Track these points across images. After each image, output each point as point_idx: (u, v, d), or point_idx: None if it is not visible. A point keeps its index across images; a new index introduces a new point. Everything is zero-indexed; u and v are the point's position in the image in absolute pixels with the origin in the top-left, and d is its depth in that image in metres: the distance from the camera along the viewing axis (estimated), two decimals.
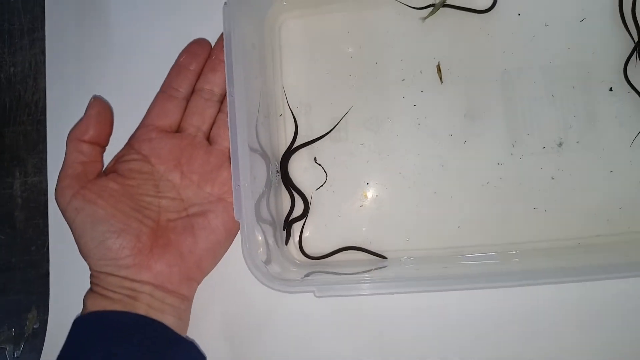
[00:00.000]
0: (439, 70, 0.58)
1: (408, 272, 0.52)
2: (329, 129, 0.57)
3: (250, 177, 0.47)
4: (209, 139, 0.54)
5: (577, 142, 0.56)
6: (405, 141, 0.56)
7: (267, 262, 0.47)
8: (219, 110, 0.55)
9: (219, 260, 0.52)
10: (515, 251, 0.54)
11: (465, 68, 0.57)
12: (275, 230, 0.55)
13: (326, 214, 0.55)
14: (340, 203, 0.55)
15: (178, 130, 0.54)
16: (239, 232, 0.45)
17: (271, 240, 0.52)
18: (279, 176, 0.57)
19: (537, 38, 0.58)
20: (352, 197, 0.57)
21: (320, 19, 0.59)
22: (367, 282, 0.46)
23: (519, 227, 0.55)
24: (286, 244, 0.55)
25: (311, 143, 0.58)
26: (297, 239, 0.57)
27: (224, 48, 0.48)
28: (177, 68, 0.55)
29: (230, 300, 0.53)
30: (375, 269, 0.52)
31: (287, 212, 0.57)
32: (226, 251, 0.52)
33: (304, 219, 0.56)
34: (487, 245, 0.55)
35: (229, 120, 0.47)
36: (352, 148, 0.57)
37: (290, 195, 0.57)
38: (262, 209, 0.52)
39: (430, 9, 0.58)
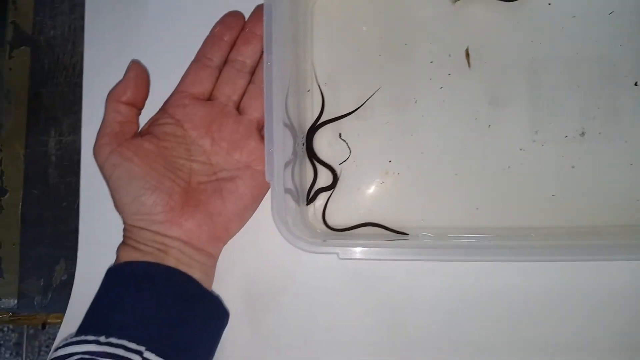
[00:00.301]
0: (468, 55, 0.59)
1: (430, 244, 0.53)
2: (355, 108, 0.59)
3: (281, 144, 0.48)
4: (238, 108, 0.56)
5: (599, 133, 0.57)
6: (430, 122, 0.56)
7: (292, 223, 0.49)
8: (250, 82, 0.56)
9: (245, 223, 0.54)
10: (533, 234, 0.55)
11: (493, 54, 0.58)
12: (298, 199, 0.56)
13: (347, 188, 0.55)
14: (361, 179, 0.56)
15: (210, 98, 0.56)
16: (267, 195, 0.47)
17: (295, 207, 0.54)
18: (305, 149, 0.59)
19: (565, 29, 0.59)
20: (373, 174, 0.58)
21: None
22: (391, 247, 0.48)
23: (538, 212, 0.56)
24: (307, 205, 0.56)
25: (336, 120, 0.59)
26: (320, 209, 0.58)
27: (264, 17, 0.49)
28: (211, 38, 0.57)
29: (253, 260, 0.54)
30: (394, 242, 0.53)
31: (309, 184, 0.58)
32: (252, 215, 0.54)
33: (331, 191, 0.58)
34: (505, 228, 0.56)
35: (264, 89, 0.49)
36: (376, 126, 0.58)
37: (313, 168, 0.58)
38: (287, 178, 0.53)
39: None
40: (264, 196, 0.52)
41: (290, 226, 0.47)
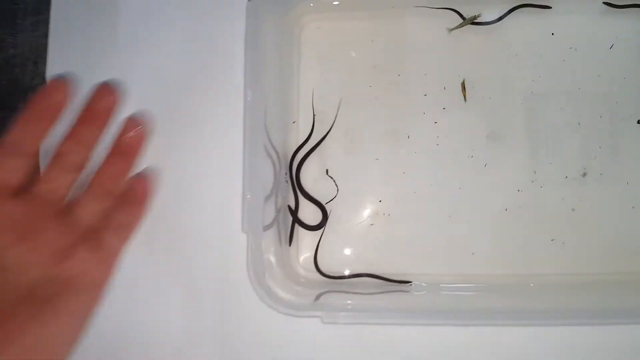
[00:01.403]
0: (464, 88, 0.55)
1: (423, 301, 0.49)
2: (342, 138, 0.55)
3: (258, 188, 0.44)
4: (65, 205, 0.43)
5: (601, 174, 0.54)
6: (423, 159, 0.53)
7: (271, 280, 0.45)
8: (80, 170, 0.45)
9: (75, 346, 0.41)
10: (532, 284, 0.51)
11: (490, 88, 0.55)
12: (280, 240, 0.52)
13: (334, 229, 0.53)
14: (350, 219, 0.53)
15: (27, 192, 0.42)
16: (245, 246, 0.42)
17: (273, 258, 0.49)
18: (289, 181, 0.54)
19: (566, 63, 0.55)
20: (363, 214, 0.54)
21: (343, 25, 0.56)
22: (379, 311, 0.43)
23: (536, 258, 0.53)
24: (289, 245, 0.52)
25: (317, 146, 0.55)
26: (306, 252, 0.54)
27: (245, 45, 0.45)
28: (22, 120, 0.44)
29: (227, 324, 0.49)
30: (388, 292, 0.49)
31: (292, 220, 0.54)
32: (82, 335, 0.42)
33: (322, 230, 0.53)
34: (502, 276, 0.53)
35: (244, 124, 0.44)
36: (366, 162, 0.54)
37: (295, 201, 0.54)
38: (268, 218, 0.49)
39: (459, 21, 0.55)
40: (94, 312, 0.42)
41: (269, 286, 0.42)
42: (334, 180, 0.55)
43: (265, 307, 0.42)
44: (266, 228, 0.47)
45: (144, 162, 0.50)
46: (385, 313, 0.44)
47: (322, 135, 0.55)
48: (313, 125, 0.54)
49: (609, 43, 0.55)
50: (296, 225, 0.54)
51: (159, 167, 0.51)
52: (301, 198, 0.54)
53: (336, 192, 0.54)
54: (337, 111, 0.55)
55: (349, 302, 0.46)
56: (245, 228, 0.42)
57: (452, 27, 0.55)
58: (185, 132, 0.52)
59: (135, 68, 0.55)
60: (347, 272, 0.53)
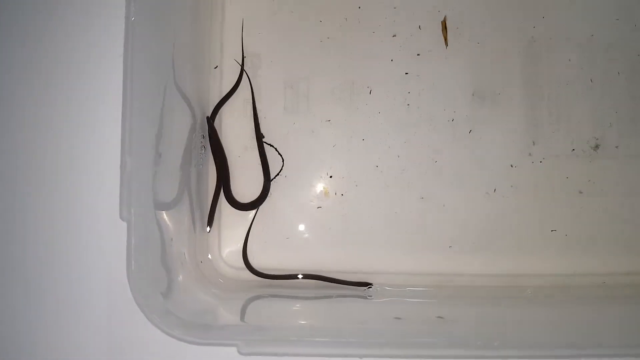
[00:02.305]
0: (445, 28, 0.43)
1: (383, 312, 0.36)
2: (280, 91, 0.41)
3: (151, 153, 0.30)
4: None
5: (617, 146, 0.43)
6: (389, 122, 0.43)
7: (171, 290, 0.31)
8: None
9: None
10: (530, 291, 0.39)
11: (480, 29, 0.44)
12: (194, 225, 0.38)
13: (269, 214, 0.42)
14: (290, 200, 0.43)
15: None
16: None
17: (185, 249, 0.35)
18: (206, 142, 0.40)
19: (578, 0, 0.43)
20: (307, 194, 0.42)
21: None
22: (318, 334, 0.30)
23: (531, 254, 0.42)
24: (209, 229, 0.41)
25: (228, 97, 0.42)
26: (229, 247, 0.40)
27: None
28: None
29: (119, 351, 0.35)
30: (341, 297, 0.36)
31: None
32: None
33: (254, 213, 0.41)
34: (486, 276, 0.41)
35: (124, 59, 0.30)
36: (313, 124, 0.43)
37: (217, 167, 0.40)
38: (170, 193, 0.35)
39: None
40: None
41: (165, 301, 0.29)
42: (277, 149, 0.41)
43: (158, 333, 0.28)
44: (169, 208, 0.33)
45: None
46: (328, 340, 0.30)
47: (255, 87, 0.41)
48: (242, 72, 0.43)
49: None
50: (218, 205, 0.40)
51: None
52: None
53: (281, 164, 0.41)
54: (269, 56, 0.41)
55: (279, 320, 0.33)
56: (125, 214, 0.28)
57: None
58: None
59: None
60: (285, 270, 0.40)
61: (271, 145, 0.42)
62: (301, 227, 0.42)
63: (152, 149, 0.31)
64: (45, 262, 0.35)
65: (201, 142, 0.41)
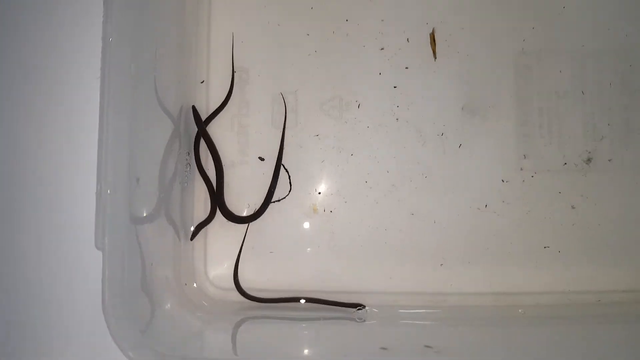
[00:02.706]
0: (433, 41, 0.42)
1: (375, 338, 0.35)
2: (268, 105, 0.40)
3: (129, 178, 0.29)
4: None
5: (610, 160, 0.42)
6: (378, 137, 0.42)
7: (153, 318, 0.30)
8: None
9: None
10: (522, 310, 0.38)
11: (469, 41, 0.43)
12: (179, 236, 0.37)
13: (257, 231, 0.41)
14: (278, 218, 0.42)
15: None
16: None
17: (168, 272, 0.34)
18: (191, 159, 0.40)
19: (568, 10, 0.42)
20: (295, 211, 0.41)
21: None
22: None
23: (524, 273, 0.41)
24: (191, 238, 0.39)
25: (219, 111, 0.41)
26: (216, 270, 0.39)
27: None
28: None
29: None
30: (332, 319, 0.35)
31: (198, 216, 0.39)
32: None
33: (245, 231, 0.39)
34: (478, 295, 0.40)
35: (99, 96, 0.28)
36: (301, 139, 0.42)
37: (207, 186, 0.40)
38: (155, 217, 0.34)
39: None
40: None
41: (147, 340, 0.27)
42: (288, 173, 0.40)
43: None
44: (149, 232, 0.32)
45: None
46: None
47: (243, 102, 0.42)
48: (232, 86, 0.41)
49: None
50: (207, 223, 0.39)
51: None
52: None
53: (289, 190, 0.40)
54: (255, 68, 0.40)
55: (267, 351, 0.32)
56: (99, 243, 0.27)
57: None
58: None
59: None
60: (272, 289, 0.39)
61: (287, 171, 0.41)
62: (289, 245, 0.41)
63: (129, 174, 0.30)
64: (18, 296, 0.33)
65: (186, 159, 0.40)
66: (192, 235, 0.39)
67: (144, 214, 0.32)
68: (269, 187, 0.40)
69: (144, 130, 0.33)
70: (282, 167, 0.40)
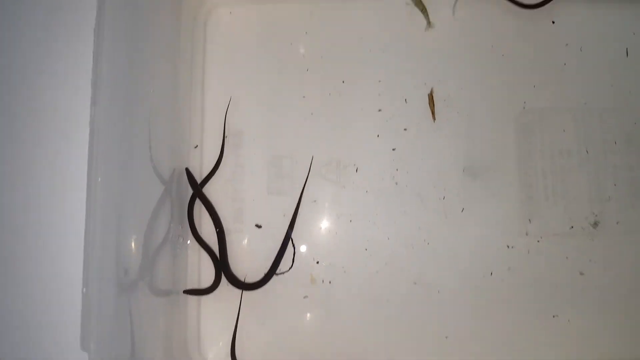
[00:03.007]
0: (432, 101, 0.41)
1: None
2: (264, 170, 0.38)
3: (117, 272, 0.27)
4: None
5: (617, 222, 0.41)
6: (377, 202, 0.41)
7: None
8: None
9: None
10: None
11: (469, 100, 0.42)
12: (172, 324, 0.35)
13: (253, 304, 0.39)
14: (275, 290, 0.40)
15: None
16: None
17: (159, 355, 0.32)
18: (184, 232, 0.38)
19: (568, 67, 0.41)
20: (293, 282, 0.40)
21: (266, 12, 0.42)
22: None
23: (532, 342, 0.39)
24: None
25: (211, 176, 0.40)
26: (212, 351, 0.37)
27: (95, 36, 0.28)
28: None
29: None
30: None
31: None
32: None
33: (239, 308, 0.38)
34: None
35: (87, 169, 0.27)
36: (299, 205, 0.40)
37: (209, 253, 0.38)
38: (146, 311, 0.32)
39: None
40: None
41: None
42: (294, 248, 0.39)
43: None
44: (140, 327, 0.30)
45: None
46: None
47: (237, 167, 0.41)
48: (222, 151, 0.40)
49: (625, 44, 0.41)
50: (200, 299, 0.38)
51: None
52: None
53: (290, 266, 0.39)
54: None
55: None
56: (85, 344, 0.25)
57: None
58: None
59: None
60: None
61: (293, 246, 0.39)
62: (286, 318, 0.39)
63: (117, 268, 0.28)
64: None
65: (179, 233, 0.38)
66: (187, 291, 0.37)
67: (135, 308, 0.30)
68: (276, 257, 0.38)
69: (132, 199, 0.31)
70: (290, 240, 0.39)
